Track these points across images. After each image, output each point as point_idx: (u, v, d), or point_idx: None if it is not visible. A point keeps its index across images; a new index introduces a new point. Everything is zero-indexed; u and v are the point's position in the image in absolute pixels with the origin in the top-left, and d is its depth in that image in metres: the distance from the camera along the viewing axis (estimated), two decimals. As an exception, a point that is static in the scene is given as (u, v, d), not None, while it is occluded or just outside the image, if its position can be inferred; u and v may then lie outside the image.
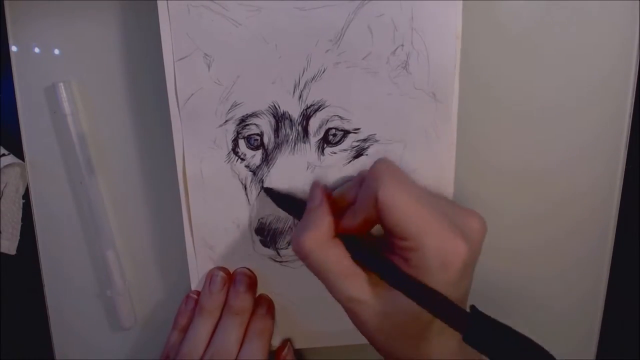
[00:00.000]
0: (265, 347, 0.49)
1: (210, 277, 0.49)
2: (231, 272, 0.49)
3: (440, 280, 0.36)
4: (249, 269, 0.50)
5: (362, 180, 0.42)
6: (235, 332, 0.48)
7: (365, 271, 0.40)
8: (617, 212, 0.52)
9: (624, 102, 0.50)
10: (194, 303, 0.49)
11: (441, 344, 0.40)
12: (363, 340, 0.52)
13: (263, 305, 0.50)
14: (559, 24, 0.48)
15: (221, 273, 0.49)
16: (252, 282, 0.49)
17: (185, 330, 0.49)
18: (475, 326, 0.36)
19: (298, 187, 0.47)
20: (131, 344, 0.55)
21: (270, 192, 0.47)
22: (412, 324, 0.38)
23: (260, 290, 0.50)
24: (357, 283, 0.39)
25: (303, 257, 0.40)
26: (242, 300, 0.48)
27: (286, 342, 0.52)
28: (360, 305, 0.39)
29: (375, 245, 0.41)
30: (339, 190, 0.44)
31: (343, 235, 0.41)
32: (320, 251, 0.39)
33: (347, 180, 0.47)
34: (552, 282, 0.54)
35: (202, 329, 0.48)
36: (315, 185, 0.44)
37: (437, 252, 0.36)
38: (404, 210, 0.37)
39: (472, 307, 0.37)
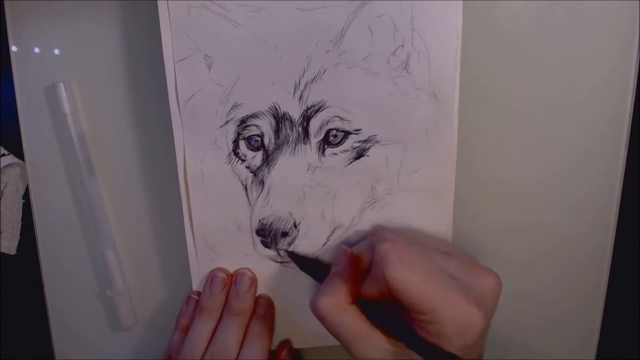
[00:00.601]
0: (265, 347, 0.49)
1: (210, 277, 0.49)
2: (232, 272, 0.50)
3: (459, 345, 0.37)
4: (249, 270, 0.50)
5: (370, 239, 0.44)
6: (236, 332, 0.48)
7: (383, 332, 0.40)
8: (617, 212, 0.52)
9: (624, 102, 0.50)
10: (195, 304, 0.50)
11: None
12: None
13: (263, 306, 0.50)
14: (559, 24, 0.48)
15: (221, 274, 0.49)
16: (252, 282, 0.49)
17: (186, 330, 0.49)
18: None
19: (299, 188, 0.47)
20: (131, 344, 0.55)
21: (294, 257, 0.48)
22: None
23: (260, 290, 0.50)
24: (374, 344, 0.40)
25: (319, 318, 0.41)
26: (243, 301, 0.48)
27: (285, 342, 0.52)
28: None
29: (394, 308, 0.41)
30: (357, 251, 0.45)
31: (362, 302, 0.42)
32: (336, 315, 0.41)
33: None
34: (552, 282, 0.54)
35: (202, 330, 0.48)
36: (341, 251, 0.44)
37: (454, 322, 0.37)
38: (414, 290, 0.37)
39: None
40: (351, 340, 0.40)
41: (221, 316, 0.49)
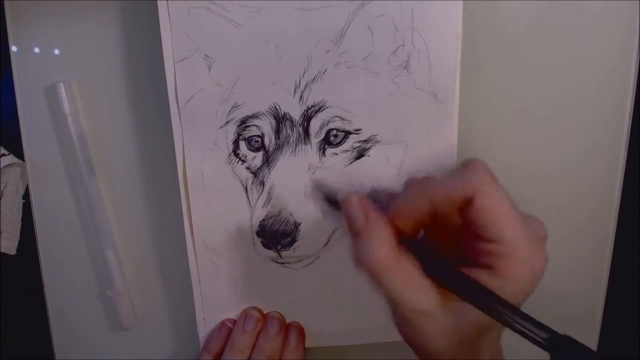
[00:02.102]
0: None
1: (245, 316, 0.50)
2: (234, 275, 0.50)
3: (525, 291, 0.36)
4: (279, 313, 0.51)
5: (412, 182, 0.39)
6: None
7: (433, 282, 0.38)
8: (617, 212, 0.52)
9: (624, 102, 0.50)
10: (227, 331, 0.50)
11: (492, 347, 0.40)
12: (364, 339, 0.52)
13: (295, 337, 0.50)
14: (560, 23, 0.48)
15: (256, 314, 0.50)
16: (282, 325, 0.50)
17: (214, 354, 0.50)
18: (565, 350, 0.35)
19: (299, 189, 0.47)
20: (131, 344, 0.55)
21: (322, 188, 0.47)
22: (481, 336, 0.38)
23: (261, 290, 0.50)
24: (428, 296, 0.37)
25: (370, 272, 0.37)
26: (273, 344, 0.49)
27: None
28: (429, 319, 0.37)
29: (443, 255, 0.39)
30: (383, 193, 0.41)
31: (409, 243, 0.38)
32: (387, 264, 0.37)
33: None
34: (552, 282, 0.53)
35: None
36: (352, 198, 0.39)
37: (528, 262, 0.35)
38: (503, 213, 0.35)
39: (564, 336, 0.36)
40: (407, 293, 0.37)
41: (251, 355, 0.49)
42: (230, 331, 0.50)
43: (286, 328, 0.51)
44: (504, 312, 0.35)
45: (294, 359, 0.50)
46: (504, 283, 0.35)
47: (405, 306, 0.37)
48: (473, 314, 0.36)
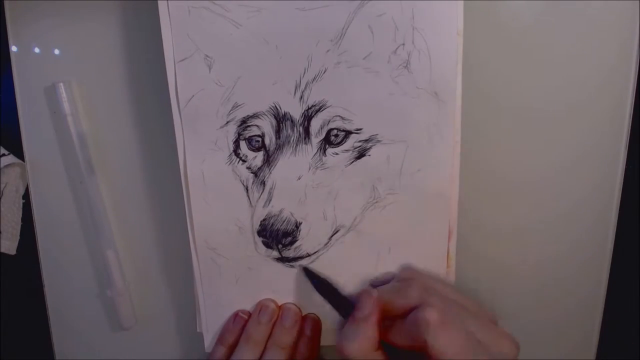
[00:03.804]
0: None
1: (260, 307, 0.50)
2: (235, 274, 0.50)
3: None
4: (295, 304, 0.50)
5: (407, 289, 0.43)
6: None
7: None
8: (617, 212, 0.52)
9: (624, 102, 0.50)
10: (242, 323, 0.50)
11: None
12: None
13: (310, 327, 0.50)
14: (560, 23, 0.48)
15: (272, 305, 0.50)
16: (298, 317, 0.50)
17: (229, 347, 0.50)
18: None
19: (300, 188, 0.47)
20: (131, 344, 0.55)
21: (309, 273, 0.48)
22: None
23: (262, 290, 0.50)
24: None
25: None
26: (288, 336, 0.49)
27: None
28: None
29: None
30: (384, 294, 0.44)
31: (387, 345, 0.43)
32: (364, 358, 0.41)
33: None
34: (552, 282, 0.54)
35: (246, 357, 0.49)
36: (366, 293, 0.44)
37: None
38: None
39: None
40: None
41: (266, 346, 0.49)
42: (244, 323, 0.50)
43: (302, 319, 0.50)
44: None
45: (309, 351, 0.50)
46: None
47: None
48: None
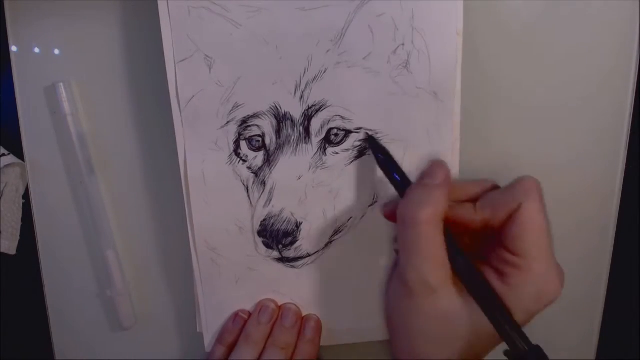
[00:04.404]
0: None
1: (260, 307, 0.50)
2: (236, 274, 0.50)
3: (526, 309, 0.38)
4: (295, 305, 0.50)
5: (484, 183, 0.42)
6: None
7: (452, 269, 0.39)
8: (617, 212, 0.52)
9: (624, 102, 0.50)
10: (241, 323, 0.50)
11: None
12: (365, 338, 0.52)
13: (311, 328, 0.50)
14: (560, 23, 0.48)
15: (272, 305, 0.50)
16: (298, 317, 0.50)
17: (229, 346, 0.50)
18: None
19: (300, 188, 0.47)
20: (131, 344, 0.55)
21: (373, 145, 0.46)
22: (464, 336, 0.39)
23: (263, 290, 0.50)
24: (440, 275, 0.38)
25: (412, 226, 0.38)
26: (288, 336, 0.49)
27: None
28: (424, 291, 0.38)
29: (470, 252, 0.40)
30: (459, 183, 0.43)
31: (447, 228, 0.40)
32: (431, 229, 0.38)
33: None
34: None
35: (245, 357, 0.49)
36: (438, 163, 0.42)
37: (539, 282, 0.37)
38: (536, 231, 0.37)
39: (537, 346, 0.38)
40: (424, 259, 0.38)
41: (266, 346, 0.49)
42: (244, 323, 0.50)
43: (302, 320, 0.50)
44: (500, 313, 0.37)
45: (309, 351, 0.50)
46: (509, 292, 0.37)
47: (415, 271, 0.38)
48: (470, 314, 0.38)
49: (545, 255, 0.38)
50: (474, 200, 0.41)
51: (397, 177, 0.43)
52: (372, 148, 0.46)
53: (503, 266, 0.38)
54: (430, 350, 0.39)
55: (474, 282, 0.39)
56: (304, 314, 0.51)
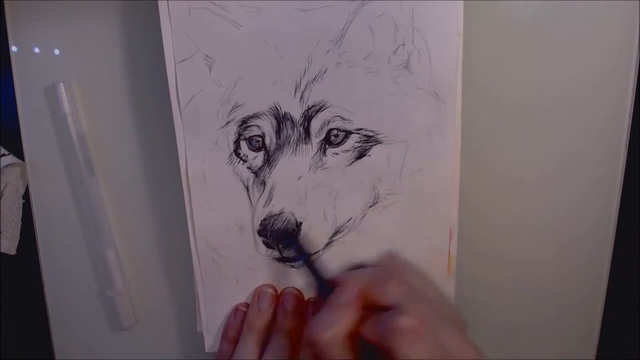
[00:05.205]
0: None
1: (258, 293, 0.49)
2: (236, 274, 0.49)
3: None
4: (296, 288, 0.50)
5: (387, 282, 0.41)
6: (286, 350, 0.48)
7: None
8: (617, 212, 0.52)
9: (624, 102, 0.50)
10: (242, 316, 0.49)
11: None
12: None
13: (314, 312, 0.48)
14: (560, 23, 0.48)
15: (270, 290, 0.49)
16: (300, 301, 0.49)
17: (234, 341, 0.49)
18: None
19: (300, 188, 0.47)
20: (131, 344, 0.55)
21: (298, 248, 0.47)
22: None
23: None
24: None
25: (318, 348, 0.39)
26: (292, 320, 0.48)
27: None
28: None
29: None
30: (363, 281, 0.42)
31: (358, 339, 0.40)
32: (336, 350, 0.39)
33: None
34: (552, 282, 0.54)
35: (251, 346, 0.48)
36: (351, 278, 0.41)
37: None
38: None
39: None
40: None
41: (271, 333, 0.49)
42: (245, 315, 0.49)
43: (305, 305, 0.50)
44: None
45: None
46: None
47: None
48: None
49: None
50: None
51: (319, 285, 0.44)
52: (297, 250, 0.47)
53: None
54: None
55: None
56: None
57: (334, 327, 0.39)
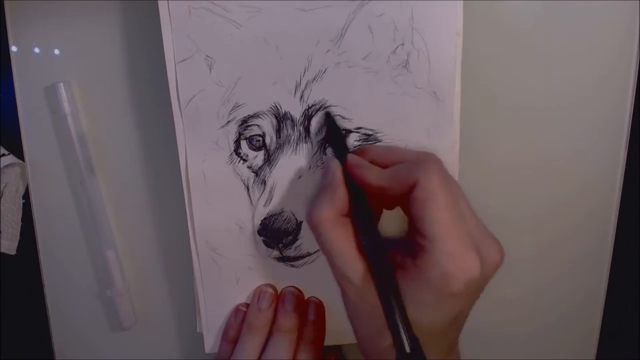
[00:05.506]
0: (319, 353, 0.49)
1: (258, 293, 0.49)
2: (236, 274, 0.49)
3: (436, 290, 0.36)
4: (296, 287, 0.50)
5: (397, 151, 0.42)
6: (286, 349, 0.48)
7: (361, 257, 0.39)
8: (617, 212, 0.52)
9: (624, 102, 0.50)
10: (242, 316, 0.49)
11: None
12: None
13: (314, 311, 0.49)
14: (560, 23, 0.48)
15: (270, 290, 0.49)
16: (300, 300, 0.49)
17: (234, 341, 0.49)
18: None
19: (300, 188, 0.47)
20: (131, 344, 0.55)
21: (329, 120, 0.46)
22: (378, 320, 0.38)
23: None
24: (353, 264, 0.39)
25: (312, 228, 0.40)
26: (291, 319, 0.48)
27: (333, 353, 0.53)
28: (348, 286, 0.39)
29: (385, 237, 0.40)
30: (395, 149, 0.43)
31: (356, 216, 0.40)
32: (329, 227, 0.39)
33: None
34: (552, 282, 0.54)
35: (250, 346, 0.48)
36: (331, 160, 0.43)
37: (444, 263, 0.35)
38: (436, 209, 0.36)
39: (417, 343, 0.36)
40: (336, 255, 0.39)
41: (271, 332, 0.49)
42: (245, 315, 0.49)
43: (305, 304, 0.50)
44: (391, 302, 0.37)
45: (315, 334, 0.49)
46: (417, 274, 0.36)
47: (334, 267, 0.40)
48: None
49: (450, 234, 0.36)
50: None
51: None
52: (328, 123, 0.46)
53: (415, 248, 0.37)
54: (359, 331, 0.40)
55: (377, 270, 0.38)
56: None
57: (323, 205, 0.40)
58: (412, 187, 0.37)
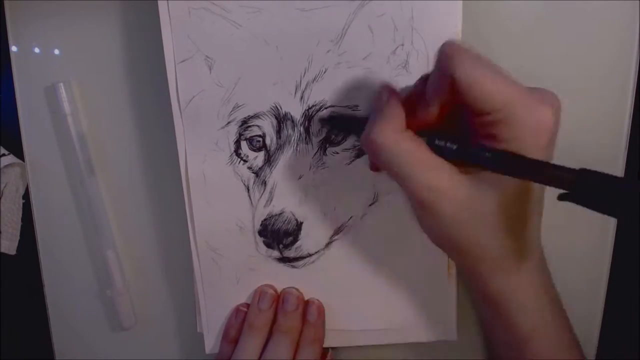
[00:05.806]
0: (319, 353, 0.49)
1: (259, 294, 0.49)
2: (236, 275, 0.50)
3: (534, 147, 0.35)
4: (296, 289, 0.50)
5: (426, 77, 0.39)
6: (287, 349, 0.48)
7: (442, 161, 0.37)
8: (617, 211, 0.52)
9: (624, 101, 0.50)
10: (243, 316, 0.49)
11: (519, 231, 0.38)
12: (365, 341, 0.51)
13: (314, 312, 0.49)
14: (560, 23, 0.48)
15: (270, 291, 0.49)
16: (300, 301, 0.49)
17: (235, 342, 0.49)
18: (586, 180, 0.35)
19: (301, 188, 0.47)
20: (131, 344, 0.55)
21: (325, 121, 0.46)
22: (493, 213, 0.37)
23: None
24: (436, 172, 0.37)
25: (376, 151, 0.37)
26: (292, 320, 0.48)
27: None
28: (440, 195, 0.36)
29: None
30: (405, 91, 0.41)
31: (419, 132, 0.38)
32: (395, 143, 0.37)
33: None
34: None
35: (251, 346, 0.48)
36: (381, 86, 0.41)
37: (529, 119, 0.35)
38: (486, 83, 0.35)
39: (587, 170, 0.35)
40: (412, 169, 0.36)
41: (271, 332, 0.49)
42: (246, 315, 0.49)
43: (305, 305, 0.50)
44: (522, 166, 0.35)
45: (315, 335, 0.49)
46: (508, 145, 0.35)
47: (414, 184, 0.37)
48: (485, 187, 0.36)
49: (516, 95, 0.35)
50: None
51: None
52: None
53: (488, 130, 0.36)
54: (463, 241, 0.38)
55: (476, 155, 0.36)
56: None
57: (382, 122, 0.37)
58: (451, 80, 0.35)
